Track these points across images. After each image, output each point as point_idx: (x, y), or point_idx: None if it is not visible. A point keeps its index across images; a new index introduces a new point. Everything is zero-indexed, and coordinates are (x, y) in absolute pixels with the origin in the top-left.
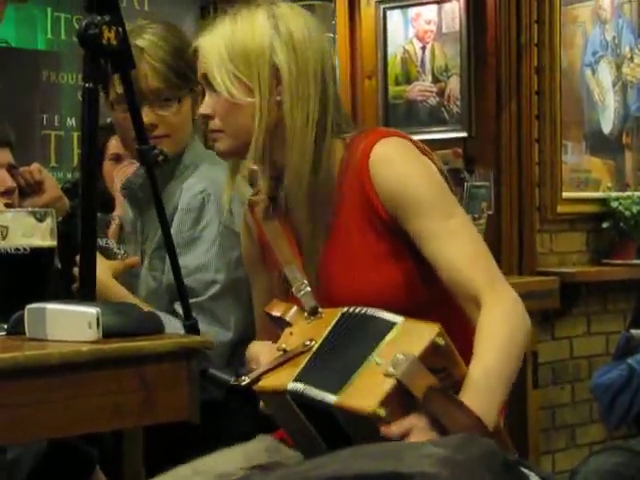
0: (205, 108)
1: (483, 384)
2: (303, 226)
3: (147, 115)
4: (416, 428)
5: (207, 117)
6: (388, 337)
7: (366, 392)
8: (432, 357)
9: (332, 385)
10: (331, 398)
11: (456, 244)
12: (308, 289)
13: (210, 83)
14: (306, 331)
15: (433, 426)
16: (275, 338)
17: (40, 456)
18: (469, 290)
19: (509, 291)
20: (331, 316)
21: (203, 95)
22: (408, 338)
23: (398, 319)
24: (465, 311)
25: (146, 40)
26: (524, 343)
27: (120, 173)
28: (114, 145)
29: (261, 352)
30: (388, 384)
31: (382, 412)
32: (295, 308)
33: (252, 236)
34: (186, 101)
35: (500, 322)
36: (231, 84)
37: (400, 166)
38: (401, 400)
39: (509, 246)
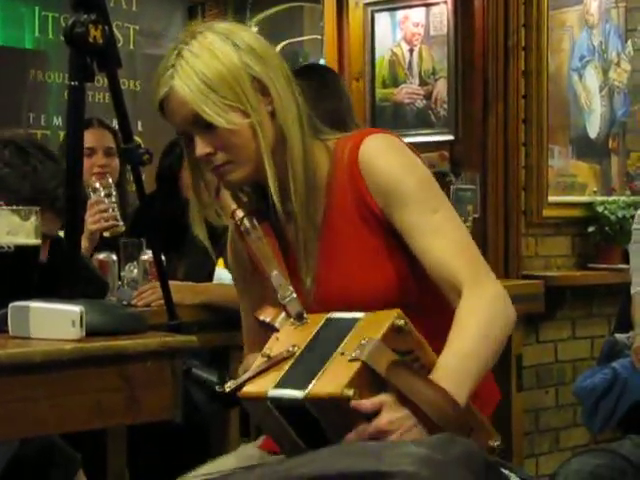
0: (203, 148)
1: (453, 364)
2: (297, 228)
3: None
4: (387, 404)
5: (209, 155)
6: (352, 332)
7: (333, 379)
8: (395, 339)
9: (301, 382)
10: (300, 393)
11: (441, 237)
12: (294, 295)
13: (197, 123)
14: (291, 337)
15: (403, 402)
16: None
17: (10, 459)
18: (454, 282)
19: (494, 283)
20: (316, 321)
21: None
22: (370, 326)
23: (360, 314)
24: (452, 305)
25: None
26: (505, 329)
27: None
28: (88, 140)
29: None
30: (354, 367)
31: (350, 392)
32: (284, 314)
33: (239, 251)
34: None
35: (477, 309)
36: (225, 113)
37: (387, 159)
38: (370, 383)
39: (494, 249)
